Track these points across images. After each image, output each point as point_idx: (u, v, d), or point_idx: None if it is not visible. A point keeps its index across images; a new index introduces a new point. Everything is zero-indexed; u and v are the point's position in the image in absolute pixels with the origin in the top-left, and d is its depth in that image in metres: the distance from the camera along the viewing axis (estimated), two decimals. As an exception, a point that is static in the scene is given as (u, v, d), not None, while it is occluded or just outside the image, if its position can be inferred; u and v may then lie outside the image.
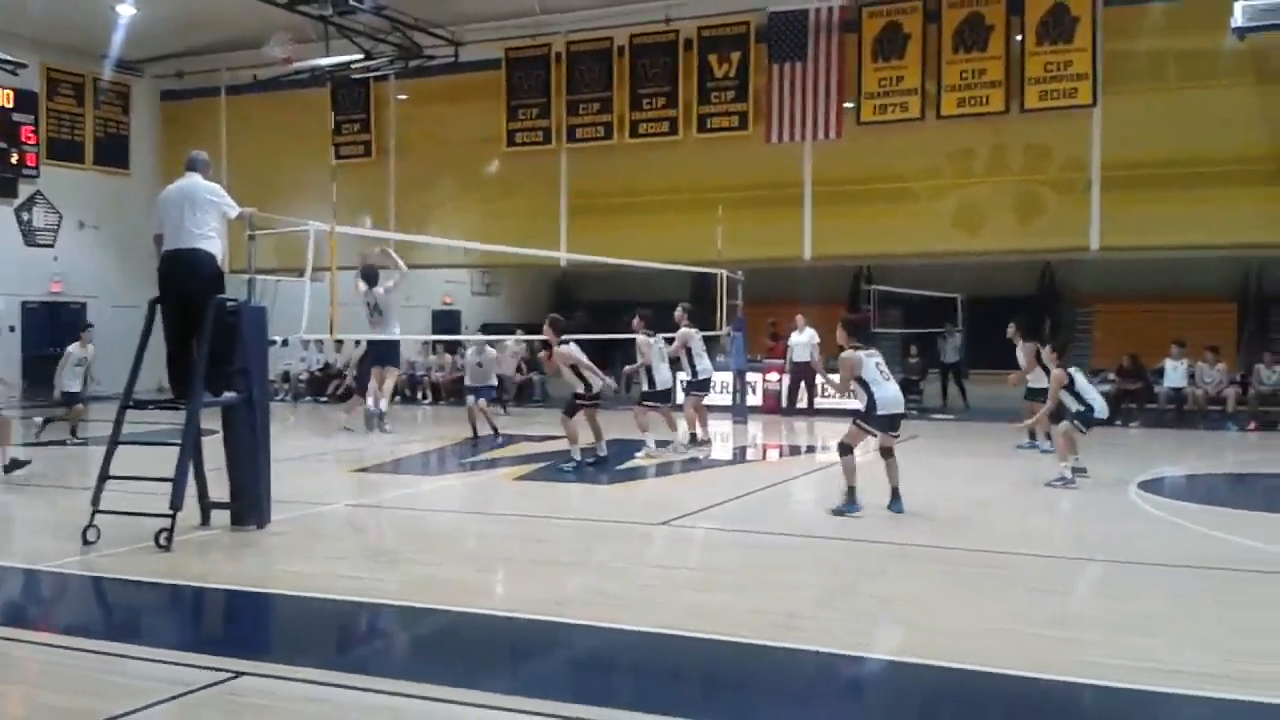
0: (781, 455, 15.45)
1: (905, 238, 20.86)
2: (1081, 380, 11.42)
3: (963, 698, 5.12)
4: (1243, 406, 17.78)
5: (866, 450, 9.80)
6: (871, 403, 9.41)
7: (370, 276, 15.13)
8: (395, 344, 14.73)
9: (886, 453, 9.63)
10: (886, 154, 20.77)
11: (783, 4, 21.06)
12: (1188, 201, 18.73)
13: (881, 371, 9.56)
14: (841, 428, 9.94)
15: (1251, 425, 17.40)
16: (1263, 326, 22.67)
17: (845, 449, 9.51)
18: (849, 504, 9.37)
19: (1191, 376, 18.29)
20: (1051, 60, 19.43)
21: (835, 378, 9.96)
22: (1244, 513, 10.11)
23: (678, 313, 14.90)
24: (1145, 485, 11.13)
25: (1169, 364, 18.34)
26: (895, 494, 9.50)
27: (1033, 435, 13.92)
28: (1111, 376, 18.55)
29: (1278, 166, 18.37)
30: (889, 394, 9.48)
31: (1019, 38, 19.64)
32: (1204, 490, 11.99)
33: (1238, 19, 15.42)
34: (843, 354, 9.63)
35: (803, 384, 20.00)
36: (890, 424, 9.55)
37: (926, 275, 22.95)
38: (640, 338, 13.91)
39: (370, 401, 15.52)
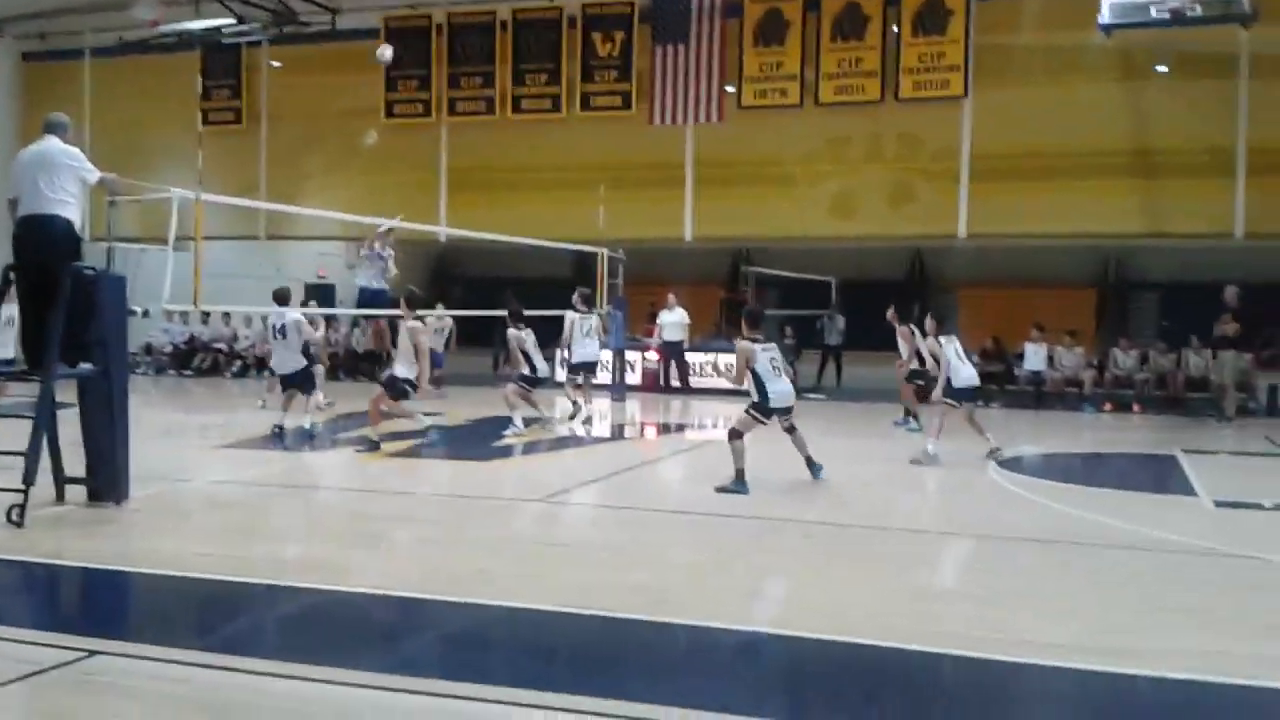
0: (659, 433, 15.55)
1: (783, 221, 21.17)
2: (949, 352, 11.78)
3: (831, 669, 5.22)
4: (1099, 389, 18.53)
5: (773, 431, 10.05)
6: (764, 395, 9.70)
7: (282, 298, 13.67)
8: (308, 369, 13.54)
9: (789, 430, 10.03)
10: (766, 138, 21.03)
11: (666, -15, 21.12)
12: (1052, 192, 19.44)
13: (775, 366, 9.82)
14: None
15: (1107, 407, 18.15)
16: (1120, 313, 23.62)
17: (735, 434, 9.68)
18: (738, 484, 9.50)
19: (1050, 360, 18.97)
20: (925, 51, 19.91)
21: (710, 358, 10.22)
22: (1099, 490, 10.52)
23: (575, 297, 15.40)
24: (1005, 464, 11.50)
25: (1029, 347, 18.99)
26: (809, 462, 9.96)
27: (908, 414, 14.36)
28: (975, 359, 19.12)
29: (1138, 160, 19.19)
30: (780, 389, 9.80)
31: (895, 29, 20.06)
32: (1061, 469, 12.44)
33: (1104, 15, 15.97)
34: (740, 342, 9.90)
35: (674, 362, 20.17)
36: (783, 414, 9.92)
37: (803, 258, 23.30)
38: (511, 332, 13.86)
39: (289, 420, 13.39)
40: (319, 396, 13.41)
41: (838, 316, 21.99)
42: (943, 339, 11.88)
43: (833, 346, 21.96)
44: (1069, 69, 19.27)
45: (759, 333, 9.96)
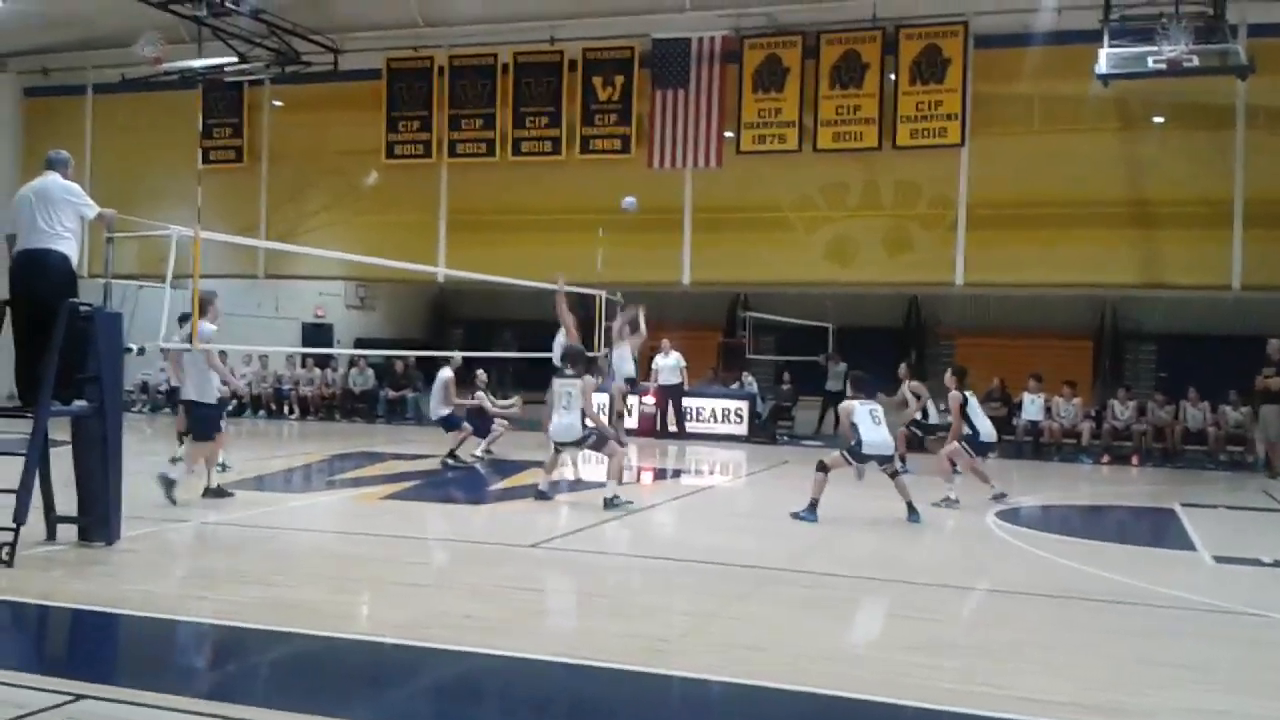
0: (655, 479, 15.46)
1: (780, 267, 21.23)
2: (974, 404, 12.28)
3: (826, 724, 5.15)
4: (1096, 441, 18.45)
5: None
6: (859, 442, 10.67)
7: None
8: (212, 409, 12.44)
9: (892, 475, 10.85)
10: (764, 184, 21.13)
11: (666, 31, 21.28)
12: (1048, 241, 19.50)
13: (875, 418, 10.77)
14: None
15: (1105, 459, 18.07)
16: (1117, 364, 23.62)
17: (822, 467, 10.69)
18: (808, 512, 10.46)
19: (1048, 410, 18.90)
20: (923, 100, 20.04)
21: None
22: (1098, 543, 10.47)
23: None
24: (1003, 514, 11.45)
25: (1027, 397, 18.93)
26: (910, 508, 10.66)
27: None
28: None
29: (1134, 210, 19.26)
30: (875, 439, 10.70)
31: (892, 77, 20.20)
32: (1059, 521, 12.38)
33: (1101, 66, 16.07)
34: (843, 403, 11.11)
35: (670, 405, 20.10)
36: (881, 461, 10.80)
37: (800, 304, 23.34)
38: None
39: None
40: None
41: (839, 362, 21.89)
42: (967, 394, 12.24)
43: (833, 393, 21.78)
44: (1066, 119, 19.40)
45: (862, 393, 11.05)
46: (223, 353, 11.57)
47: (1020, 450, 18.65)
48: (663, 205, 21.56)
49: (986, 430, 12.27)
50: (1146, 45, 15.61)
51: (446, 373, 14.86)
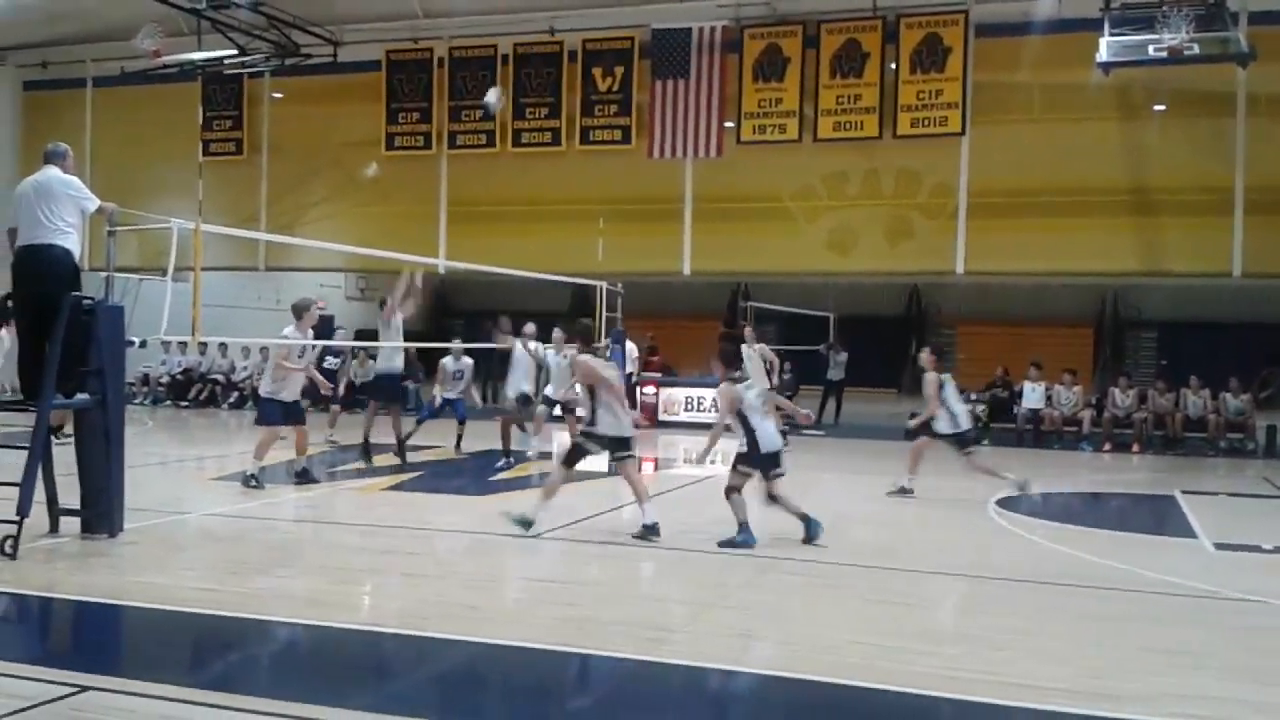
0: (655, 469, 15.47)
1: (781, 256, 21.22)
2: (950, 390, 11.74)
3: (824, 711, 5.19)
4: (1097, 428, 18.45)
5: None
6: (754, 441, 8.85)
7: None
8: None
9: (769, 497, 9.02)
10: (765, 174, 21.12)
11: (666, 21, 21.25)
12: (1050, 229, 19.49)
13: (762, 401, 9.02)
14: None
15: (1106, 446, 18.08)
16: (1117, 351, 23.65)
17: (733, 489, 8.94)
18: (743, 535, 8.75)
19: (1049, 398, 18.91)
20: (924, 89, 20.01)
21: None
22: (1099, 530, 10.50)
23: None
24: (1003, 502, 11.47)
25: (1027, 385, 18.95)
26: (807, 521, 8.90)
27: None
28: (974, 396, 19.18)
29: (1136, 198, 19.25)
30: (771, 431, 8.95)
31: (893, 66, 20.18)
32: (1059, 508, 12.40)
33: (1102, 54, 16.04)
34: (720, 386, 9.10)
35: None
36: (772, 463, 8.94)
37: (801, 293, 23.35)
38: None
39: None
40: None
41: (841, 351, 21.87)
42: (944, 378, 11.73)
43: (834, 382, 21.80)
44: (1067, 107, 19.37)
45: (736, 371, 9.16)
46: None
47: (1021, 438, 18.65)
48: (663, 195, 21.59)
49: (963, 415, 11.73)
50: (1147, 33, 15.59)
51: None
